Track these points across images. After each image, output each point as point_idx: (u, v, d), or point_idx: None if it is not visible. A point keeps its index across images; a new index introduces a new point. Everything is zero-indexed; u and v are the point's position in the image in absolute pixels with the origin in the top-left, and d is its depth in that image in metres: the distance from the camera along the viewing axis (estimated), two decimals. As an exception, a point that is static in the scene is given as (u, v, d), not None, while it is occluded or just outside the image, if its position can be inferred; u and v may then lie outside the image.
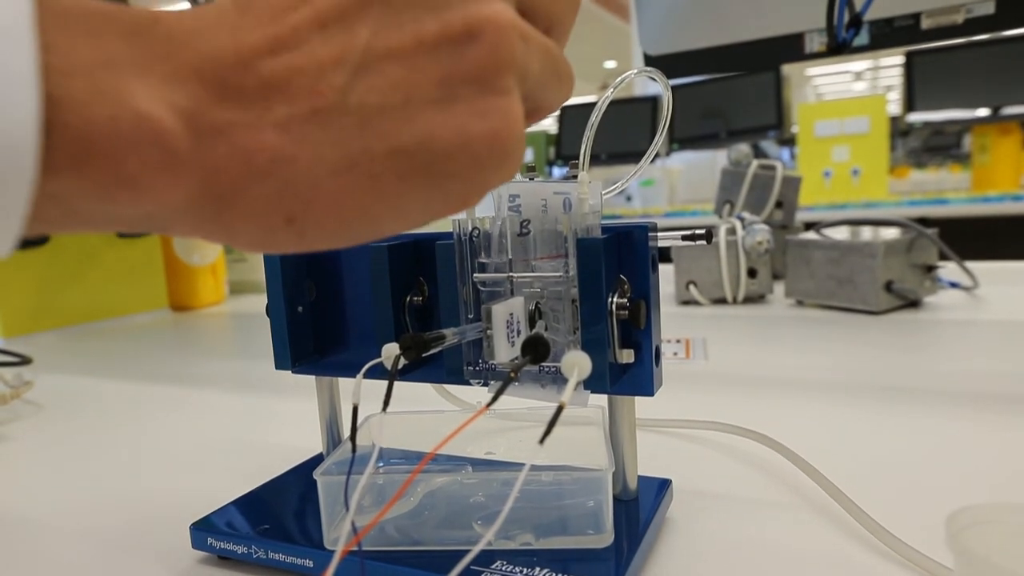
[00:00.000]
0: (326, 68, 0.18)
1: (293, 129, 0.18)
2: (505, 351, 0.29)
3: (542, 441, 0.22)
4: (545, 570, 0.29)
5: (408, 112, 0.19)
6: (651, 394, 0.32)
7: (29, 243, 1.01)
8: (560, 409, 0.23)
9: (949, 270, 0.98)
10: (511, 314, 0.30)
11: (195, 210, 0.18)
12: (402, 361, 0.27)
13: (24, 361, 0.78)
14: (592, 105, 0.30)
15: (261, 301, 1.26)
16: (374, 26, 0.18)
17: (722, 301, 0.97)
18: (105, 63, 0.16)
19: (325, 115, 0.18)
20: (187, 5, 0.78)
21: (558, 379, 0.31)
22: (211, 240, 0.20)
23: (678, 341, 0.77)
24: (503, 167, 0.20)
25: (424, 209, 0.20)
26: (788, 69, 2.78)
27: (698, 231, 0.33)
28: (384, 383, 0.27)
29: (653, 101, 2.89)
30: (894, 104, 3.42)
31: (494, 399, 0.25)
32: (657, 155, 0.29)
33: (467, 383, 0.33)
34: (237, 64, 0.17)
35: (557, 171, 3.28)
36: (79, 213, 0.17)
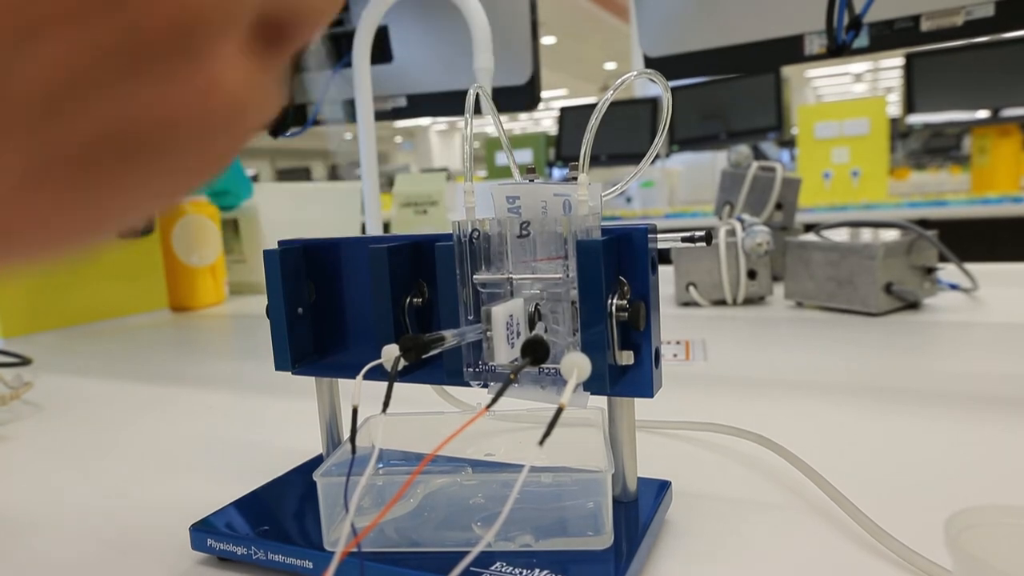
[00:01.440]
0: None
1: None
2: (505, 353, 0.29)
3: (542, 442, 0.22)
4: (544, 571, 0.29)
5: (92, 92, 0.15)
6: (651, 396, 0.32)
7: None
8: (560, 410, 0.23)
9: (949, 272, 0.98)
10: (511, 316, 0.30)
11: None
12: (402, 362, 0.27)
13: (24, 362, 0.78)
14: (592, 107, 0.30)
15: (260, 302, 1.26)
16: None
17: (722, 303, 0.98)
18: None
19: None
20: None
21: (558, 381, 0.31)
22: None
23: (678, 343, 0.77)
24: (230, 127, 0.17)
25: (155, 193, 0.18)
26: (788, 71, 2.79)
27: (698, 233, 0.33)
28: (384, 384, 0.27)
29: (653, 103, 2.89)
30: (894, 106, 3.42)
31: (494, 400, 0.25)
32: (657, 156, 0.29)
33: (467, 384, 0.33)
34: None
35: (557, 172, 3.28)
36: None
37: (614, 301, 0.30)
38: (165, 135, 0.16)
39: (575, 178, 0.31)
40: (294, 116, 0.97)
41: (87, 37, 0.15)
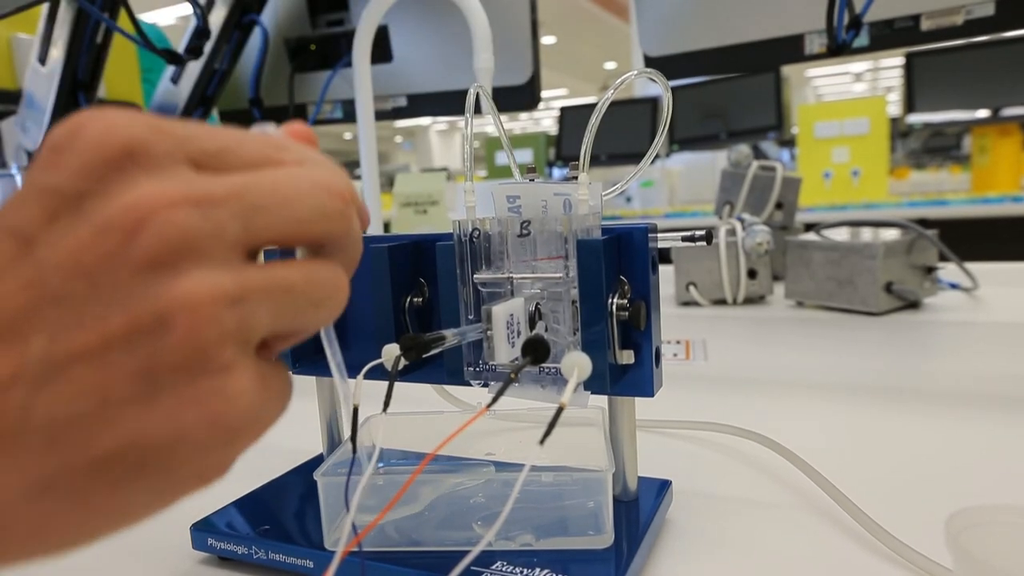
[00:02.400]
0: (2, 385, 0.16)
1: None
2: (505, 352, 0.29)
3: (542, 442, 0.22)
4: (545, 570, 0.29)
5: (106, 416, 0.16)
6: (651, 395, 0.32)
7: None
8: (560, 410, 0.23)
9: (949, 271, 0.98)
10: (511, 315, 0.30)
11: None
12: (402, 362, 0.27)
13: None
14: (592, 106, 0.30)
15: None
16: (51, 330, 0.16)
17: (722, 302, 0.97)
18: None
19: (6, 438, 0.16)
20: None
21: (558, 380, 0.31)
22: None
23: (678, 342, 0.77)
24: (235, 443, 0.18)
25: (154, 502, 0.18)
26: (788, 70, 2.79)
27: (698, 232, 0.33)
28: (384, 384, 0.27)
29: (653, 102, 2.89)
30: (894, 105, 3.42)
31: (494, 400, 0.25)
32: (657, 156, 0.29)
33: (467, 384, 0.33)
34: None
35: (557, 172, 3.28)
36: None
37: (614, 300, 0.30)
38: (175, 452, 0.17)
39: (575, 177, 0.31)
40: (294, 116, 0.97)
41: (108, 368, 0.16)
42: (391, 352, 0.28)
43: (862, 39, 0.71)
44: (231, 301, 0.17)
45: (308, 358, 0.39)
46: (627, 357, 0.31)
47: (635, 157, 2.78)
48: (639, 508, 0.34)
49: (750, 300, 0.98)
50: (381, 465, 0.40)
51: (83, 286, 0.16)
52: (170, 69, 0.94)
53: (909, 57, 2.41)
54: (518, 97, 0.89)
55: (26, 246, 0.16)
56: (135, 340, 0.16)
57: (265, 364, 0.19)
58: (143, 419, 0.17)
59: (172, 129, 0.18)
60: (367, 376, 0.28)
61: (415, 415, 0.39)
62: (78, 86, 0.86)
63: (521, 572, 0.29)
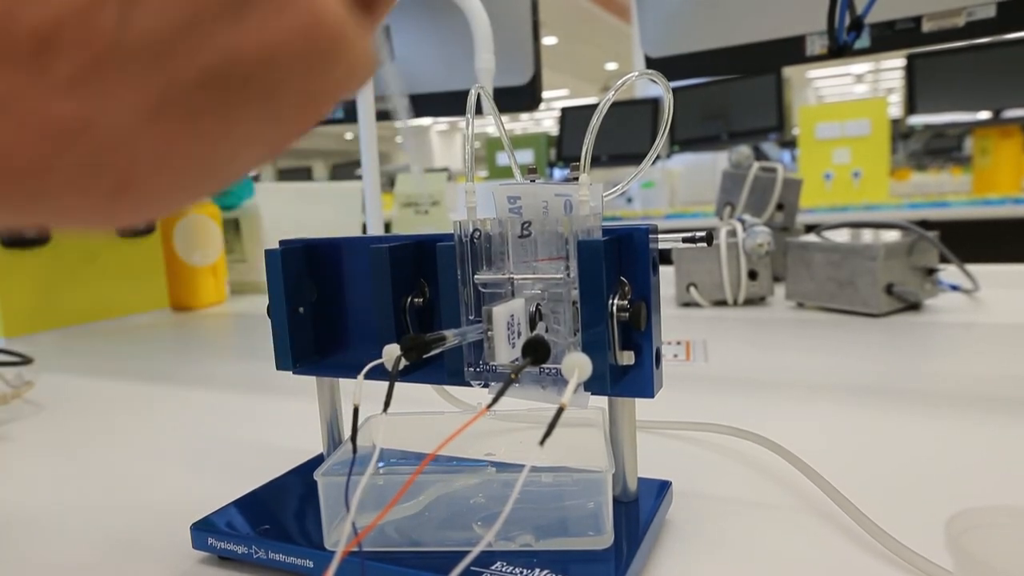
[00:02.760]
0: (89, 8, 0.15)
1: (81, 85, 0.15)
2: (506, 352, 0.29)
3: (542, 442, 0.22)
4: (545, 571, 0.29)
5: (201, 28, 0.16)
6: (651, 396, 0.32)
7: (30, 243, 1.01)
8: (560, 410, 0.23)
9: (950, 273, 0.98)
10: (512, 316, 0.30)
11: (4, 200, 0.16)
12: (403, 362, 0.27)
13: (25, 361, 0.78)
14: (593, 107, 0.30)
15: (262, 302, 1.26)
16: None
17: (722, 303, 0.97)
18: None
19: (110, 57, 0.15)
20: None
21: (558, 381, 0.31)
22: (51, 225, 0.18)
23: (678, 343, 0.77)
24: (334, 61, 0.18)
25: (267, 130, 0.18)
26: (789, 71, 2.79)
27: (699, 233, 0.33)
28: (385, 384, 0.27)
29: (654, 103, 2.89)
30: (895, 106, 3.42)
31: (495, 400, 0.25)
32: (658, 157, 0.29)
33: (468, 384, 0.33)
34: (4, 15, 0.15)
35: (558, 173, 3.28)
36: None
37: (615, 301, 0.30)
38: (268, 69, 0.17)
39: (576, 178, 0.31)
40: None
41: None
42: (392, 352, 0.28)
43: (863, 40, 0.71)
44: None
45: (308, 358, 0.39)
46: (627, 358, 0.31)
47: (636, 158, 2.78)
48: (639, 509, 0.34)
49: (750, 301, 0.98)
50: (381, 465, 0.40)
51: None
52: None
53: (910, 58, 2.41)
54: (519, 98, 0.89)
55: None
56: None
57: (356, 9, 0.19)
58: (237, 33, 0.16)
59: None
60: (368, 376, 0.28)
61: (415, 415, 0.39)
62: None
63: (521, 572, 0.29)
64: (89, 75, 0.15)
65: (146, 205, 0.18)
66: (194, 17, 0.16)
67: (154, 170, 0.17)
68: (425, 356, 0.28)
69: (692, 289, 0.97)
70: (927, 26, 0.68)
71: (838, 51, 0.67)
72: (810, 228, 1.02)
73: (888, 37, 0.70)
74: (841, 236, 0.94)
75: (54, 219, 0.17)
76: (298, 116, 0.18)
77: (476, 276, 0.32)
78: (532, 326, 0.31)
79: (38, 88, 0.15)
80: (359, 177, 0.92)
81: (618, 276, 0.31)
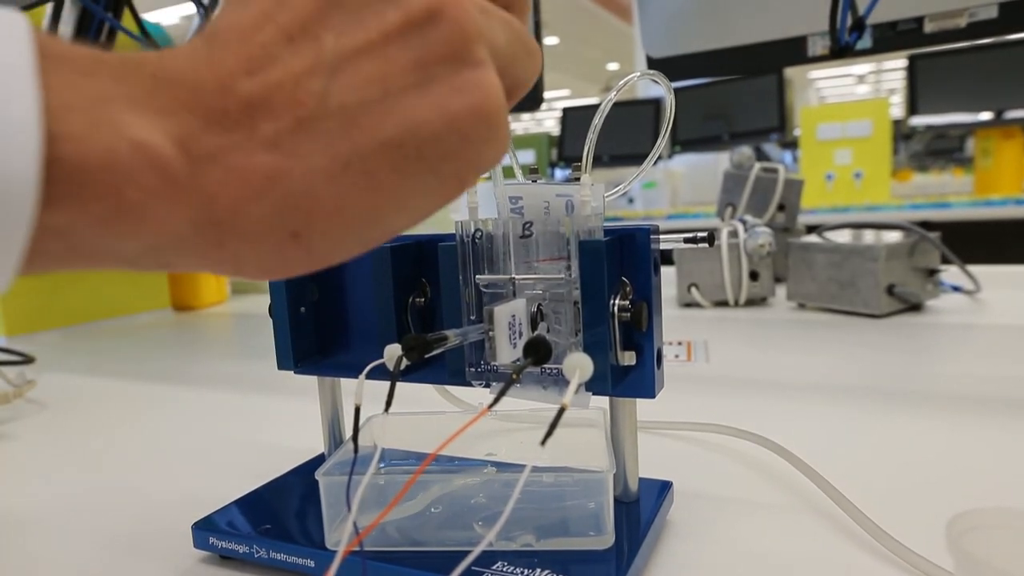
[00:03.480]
0: (301, 78, 0.18)
1: (281, 143, 0.18)
2: (507, 353, 0.29)
3: (544, 442, 0.22)
4: (546, 571, 0.29)
5: (388, 103, 0.19)
6: (652, 396, 0.32)
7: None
8: (562, 411, 0.23)
9: (951, 274, 0.97)
10: (513, 316, 0.30)
11: (197, 238, 0.18)
12: (404, 362, 0.27)
13: (27, 360, 0.79)
14: (594, 107, 0.30)
15: (263, 301, 1.26)
16: (338, 28, 0.19)
17: (724, 304, 0.97)
18: (99, 99, 0.17)
19: (309, 123, 0.18)
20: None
21: (560, 381, 0.31)
22: (220, 272, 0.20)
23: (680, 343, 0.77)
24: (492, 139, 0.20)
25: (425, 197, 0.20)
26: (791, 72, 2.78)
27: (700, 234, 0.33)
28: (386, 384, 0.27)
29: (655, 103, 2.89)
30: (897, 107, 3.42)
31: (496, 400, 0.25)
32: (659, 157, 0.29)
33: (469, 384, 0.33)
34: (218, 90, 0.18)
35: (559, 173, 3.28)
36: (82, 247, 0.17)
37: (616, 301, 0.30)
38: (444, 139, 0.19)
39: (578, 179, 0.31)
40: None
41: (388, 60, 0.19)
42: (393, 352, 0.28)
43: (865, 41, 0.71)
44: (481, 9, 0.20)
45: (310, 358, 0.39)
46: (629, 358, 0.31)
47: (637, 158, 2.77)
48: (640, 509, 0.34)
49: (752, 302, 0.98)
50: (382, 465, 0.40)
51: None
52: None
53: (912, 59, 2.41)
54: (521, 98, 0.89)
55: None
56: (409, 33, 0.19)
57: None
58: (419, 106, 0.19)
59: None
60: (369, 376, 0.28)
61: (417, 415, 0.39)
62: (82, 85, 0.86)
63: (522, 572, 0.29)
64: (289, 134, 0.18)
65: (314, 254, 0.20)
66: (385, 91, 0.19)
67: (327, 222, 0.19)
68: (426, 356, 0.28)
69: (693, 290, 0.97)
70: (929, 27, 0.68)
71: (840, 52, 0.67)
72: (811, 229, 1.02)
73: (890, 38, 0.70)
74: (842, 237, 0.94)
75: (230, 265, 0.19)
76: (455, 184, 0.21)
77: (477, 276, 0.32)
78: (533, 326, 0.31)
79: (244, 145, 0.18)
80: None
81: (619, 276, 0.31)
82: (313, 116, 0.18)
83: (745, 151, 1.11)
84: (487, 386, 0.33)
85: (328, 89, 0.18)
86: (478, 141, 0.20)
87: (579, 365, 0.26)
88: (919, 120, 2.42)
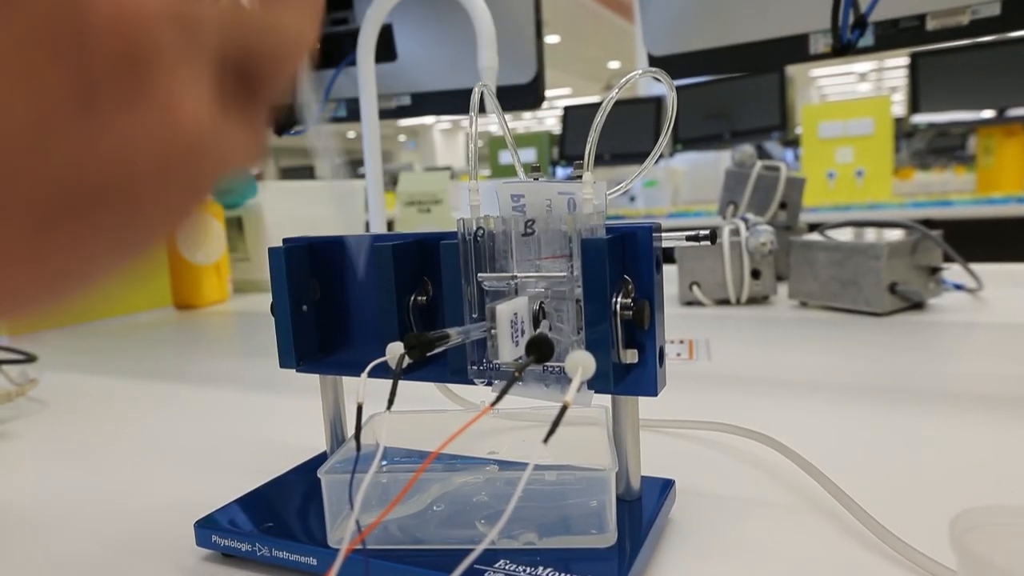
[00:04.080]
0: None
1: None
2: (509, 351, 0.29)
3: (546, 441, 0.22)
4: (548, 569, 0.29)
5: (47, 138, 0.14)
6: (655, 394, 0.32)
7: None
8: (564, 409, 0.23)
9: (953, 272, 0.97)
10: (515, 314, 0.30)
11: None
12: (406, 360, 0.27)
13: (29, 359, 0.79)
14: (596, 105, 0.30)
15: (265, 300, 1.26)
16: None
17: (725, 302, 0.97)
18: None
19: None
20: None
21: (562, 379, 0.31)
22: None
23: (681, 342, 0.77)
24: (194, 167, 0.16)
25: (123, 241, 0.16)
26: (792, 70, 2.78)
27: (702, 232, 0.33)
28: (388, 382, 0.27)
29: (657, 101, 2.89)
30: (899, 105, 3.42)
31: (498, 398, 0.25)
32: (661, 156, 0.29)
33: (471, 382, 0.33)
34: None
35: (560, 171, 3.28)
36: None
37: (619, 300, 0.30)
38: (122, 178, 0.15)
39: (580, 177, 0.31)
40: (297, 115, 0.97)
41: (36, 84, 0.13)
42: (395, 350, 0.28)
43: (867, 39, 0.70)
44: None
45: (312, 356, 0.39)
46: (631, 356, 0.31)
47: (639, 156, 2.78)
48: (642, 507, 0.34)
49: (753, 300, 0.98)
50: (385, 463, 0.40)
51: None
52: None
53: (914, 57, 2.40)
54: (522, 96, 0.89)
55: None
56: (61, 40, 0.13)
57: (232, 100, 0.17)
58: (85, 138, 0.14)
59: None
60: (371, 374, 0.28)
61: (419, 413, 0.39)
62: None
63: (524, 571, 0.29)
64: None
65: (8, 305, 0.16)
66: (39, 121, 0.14)
67: (23, 267, 0.15)
68: (429, 354, 0.28)
69: (695, 288, 0.97)
70: (931, 24, 0.68)
71: (842, 50, 0.67)
72: (813, 227, 1.02)
73: (892, 35, 0.70)
74: (844, 235, 0.94)
75: None
76: (163, 217, 0.17)
77: (479, 274, 0.32)
78: (535, 324, 0.31)
79: None
80: (362, 175, 0.92)
81: (622, 274, 0.31)
82: None
83: (747, 149, 1.11)
84: (489, 384, 0.33)
85: None
86: (177, 169, 0.16)
87: (581, 363, 0.26)
88: (921, 118, 2.41)
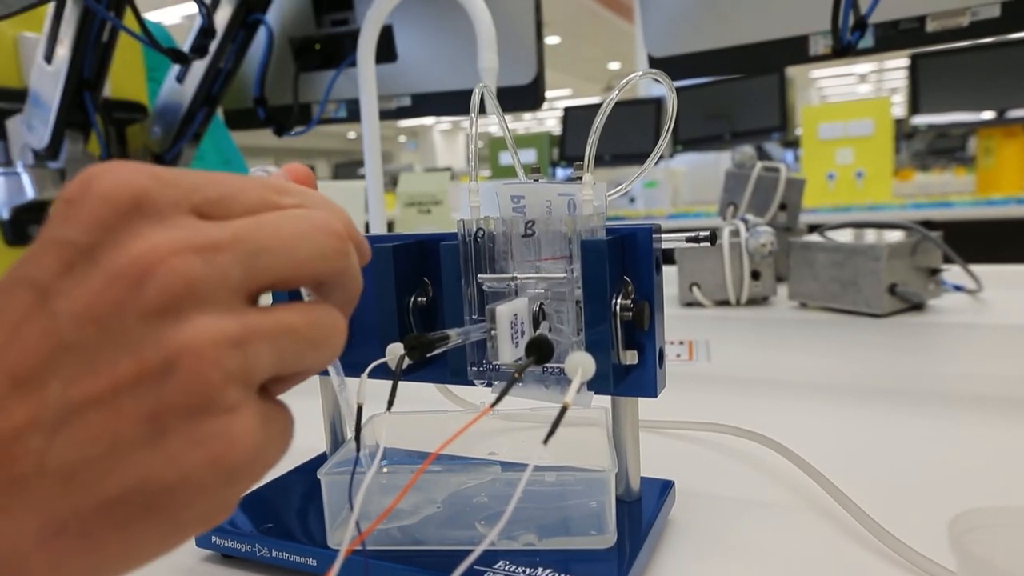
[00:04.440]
0: (22, 431, 0.16)
1: None
2: (509, 352, 0.29)
3: (546, 441, 0.22)
4: (548, 570, 0.29)
5: (116, 458, 0.17)
6: (654, 395, 0.32)
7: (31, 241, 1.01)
8: (564, 410, 0.23)
9: (953, 273, 0.97)
10: (515, 315, 0.30)
11: None
12: (407, 361, 0.27)
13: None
14: (595, 106, 0.30)
15: (264, 301, 1.26)
16: (67, 375, 0.17)
17: (725, 303, 0.97)
18: None
19: (23, 482, 0.16)
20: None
21: (562, 380, 0.31)
22: None
23: (681, 343, 0.77)
24: (236, 484, 0.19)
25: (161, 543, 0.19)
26: (792, 71, 2.78)
27: (702, 233, 0.33)
28: (388, 383, 0.27)
29: (656, 102, 2.89)
30: (899, 106, 3.42)
31: (498, 399, 0.25)
32: (661, 156, 0.29)
33: (471, 383, 0.33)
34: None
35: (560, 172, 3.28)
36: None
37: (618, 301, 0.30)
38: (182, 494, 0.18)
39: (580, 178, 0.31)
40: (298, 115, 0.97)
41: (118, 413, 0.17)
42: (395, 351, 0.28)
43: (867, 40, 0.70)
44: (234, 344, 0.18)
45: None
46: (631, 357, 0.31)
47: (638, 157, 2.77)
48: (642, 508, 0.34)
49: (753, 301, 0.98)
50: (385, 464, 0.40)
51: (95, 333, 0.17)
52: (175, 68, 0.94)
53: (914, 58, 2.40)
54: (522, 97, 0.89)
55: (43, 296, 0.17)
56: (143, 384, 0.17)
57: (267, 405, 0.20)
58: (150, 462, 0.17)
59: (177, 180, 0.19)
60: (371, 375, 0.28)
61: (419, 414, 0.39)
62: (84, 84, 0.86)
63: (524, 572, 0.29)
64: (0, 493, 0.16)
65: None
66: (113, 446, 0.17)
67: None
68: (429, 355, 0.28)
69: (695, 289, 0.97)
70: (931, 26, 0.68)
71: (842, 51, 0.67)
72: (813, 228, 1.02)
73: (892, 37, 0.70)
74: (844, 236, 0.94)
75: None
76: (201, 523, 0.19)
77: (480, 275, 0.32)
78: (535, 325, 0.31)
79: None
80: (362, 176, 0.92)
81: (621, 276, 0.31)
82: (29, 475, 0.16)
83: (747, 150, 1.11)
84: (489, 385, 0.33)
85: (49, 445, 0.17)
86: (218, 489, 0.18)
87: (581, 364, 0.26)
88: (921, 119, 2.41)
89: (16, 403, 0.17)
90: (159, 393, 0.17)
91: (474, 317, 0.33)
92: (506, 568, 0.29)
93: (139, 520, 0.18)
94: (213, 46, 0.87)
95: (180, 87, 0.94)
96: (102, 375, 0.17)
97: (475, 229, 0.32)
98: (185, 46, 0.84)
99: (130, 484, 0.17)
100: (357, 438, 0.26)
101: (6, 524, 0.16)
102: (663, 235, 0.33)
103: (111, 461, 0.17)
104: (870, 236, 0.93)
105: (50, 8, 0.85)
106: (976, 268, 0.97)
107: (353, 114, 0.97)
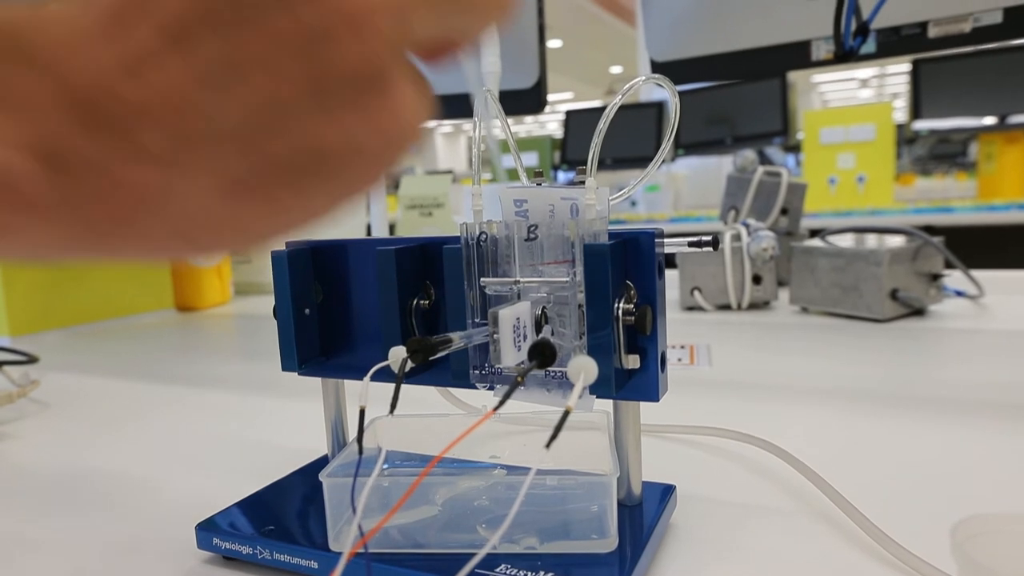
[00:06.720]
0: (187, 88, 0.16)
1: (165, 157, 0.17)
2: (511, 355, 0.29)
3: (548, 445, 0.22)
4: (549, 574, 0.29)
5: (286, 122, 0.17)
6: (656, 400, 0.32)
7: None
8: (566, 414, 0.23)
9: (954, 278, 0.97)
10: (518, 318, 0.30)
11: (79, 244, 0.17)
12: (409, 364, 0.27)
13: (31, 360, 0.79)
14: (597, 110, 0.30)
15: (266, 302, 1.26)
16: (225, 32, 0.16)
17: (727, 307, 0.97)
18: None
19: (196, 139, 0.17)
20: None
21: (564, 384, 0.31)
22: (114, 260, 0.19)
23: (683, 347, 0.77)
24: (398, 152, 0.19)
25: (328, 203, 0.20)
26: (794, 76, 2.78)
27: (704, 237, 0.33)
28: (390, 386, 0.27)
29: (658, 107, 2.89)
30: (900, 112, 3.42)
31: (500, 403, 0.25)
32: (663, 161, 0.29)
33: (473, 387, 0.33)
34: (96, 89, 0.16)
35: (562, 176, 3.28)
36: None
37: (621, 305, 0.30)
38: (349, 158, 0.18)
39: (582, 182, 0.31)
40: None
41: (284, 79, 0.17)
42: (398, 354, 0.28)
43: (869, 46, 0.71)
44: (396, 9, 0.18)
45: (314, 359, 0.39)
46: (633, 362, 0.31)
47: (640, 161, 2.78)
48: (643, 512, 0.34)
49: (755, 306, 0.98)
50: (386, 467, 0.40)
51: None
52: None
53: (916, 64, 2.41)
54: (524, 101, 0.89)
55: None
56: (305, 48, 0.17)
57: (417, 72, 0.20)
58: (319, 128, 0.18)
59: None
60: (373, 378, 0.28)
61: (421, 417, 0.39)
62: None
63: (525, 575, 0.29)
64: (175, 150, 0.17)
65: (211, 251, 0.19)
66: (280, 111, 0.17)
67: (221, 235, 0.19)
68: (431, 358, 0.28)
69: (696, 293, 0.97)
70: (933, 32, 0.68)
71: (844, 56, 0.67)
72: (814, 233, 1.02)
73: (894, 42, 0.70)
74: (845, 241, 0.94)
75: (117, 256, 0.19)
76: (358, 188, 0.20)
77: (482, 279, 0.32)
78: (538, 329, 0.31)
79: (125, 155, 0.16)
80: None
81: (624, 280, 0.31)
82: (201, 135, 0.17)
83: (748, 155, 1.11)
84: (491, 388, 0.33)
85: (217, 102, 0.17)
86: (385, 157, 0.19)
87: (583, 368, 0.26)
88: (922, 124, 2.41)
89: (178, 61, 0.16)
90: (321, 60, 0.17)
91: (476, 320, 0.33)
92: (507, 571, 0.29)
93: (311, 181, 0.18)
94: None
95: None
96: (262, 34, 0.16)
97: (478, 232, 0.32)
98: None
99: (302, 147, 0.18)
100: (359, 441, 0.26)
101: (185, 182, 0.17)
102: (665, 239, 0.33)
103: (282, 124, 0.17)
104: (871, 241, 0.93)
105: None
106: (978, 273, 0.97)
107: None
